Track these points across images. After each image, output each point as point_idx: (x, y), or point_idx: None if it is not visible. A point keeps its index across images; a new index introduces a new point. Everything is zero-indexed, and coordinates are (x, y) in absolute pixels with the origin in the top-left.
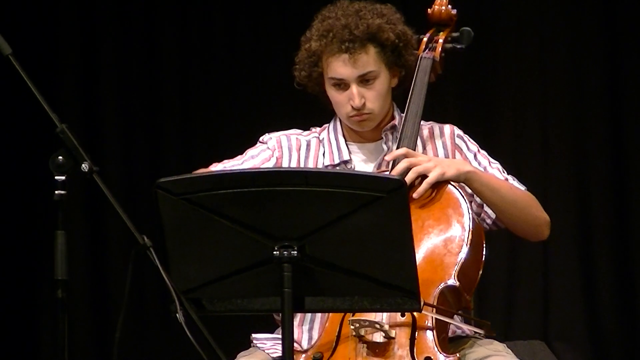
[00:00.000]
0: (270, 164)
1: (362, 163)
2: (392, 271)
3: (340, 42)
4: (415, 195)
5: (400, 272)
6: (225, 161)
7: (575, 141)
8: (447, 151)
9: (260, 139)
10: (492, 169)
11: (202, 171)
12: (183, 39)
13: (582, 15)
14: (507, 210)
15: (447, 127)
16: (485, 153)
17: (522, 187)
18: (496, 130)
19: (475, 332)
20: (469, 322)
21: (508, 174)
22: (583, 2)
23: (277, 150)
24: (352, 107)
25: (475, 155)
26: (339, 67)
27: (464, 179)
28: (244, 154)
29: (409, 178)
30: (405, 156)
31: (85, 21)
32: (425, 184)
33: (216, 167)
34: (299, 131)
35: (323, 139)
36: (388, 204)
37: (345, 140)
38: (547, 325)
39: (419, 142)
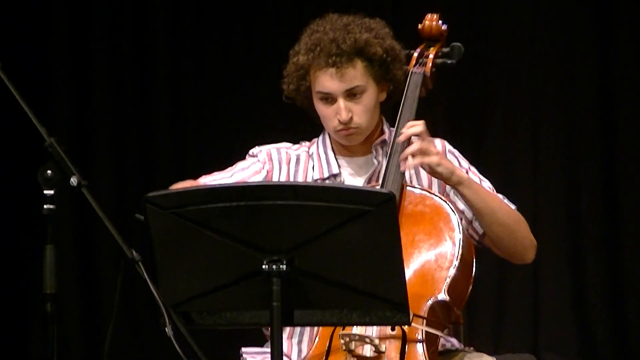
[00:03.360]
0: (260, 177)
1: (351, 177)
2: (381, 284)
3: (327, 56)
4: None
5: (390, 285)
6: (215, 173)
7: (567, 153)
8: None
9: (250, 152)
10: (484, 186)
11: (188, 182)
12: (174, 51)
13: (573, 29)
14: (496, 225)
15: (438, 142)
16: (476, 170)
17: (513, 206)
18: (486, 144)
19: (465, 346)
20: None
21: (498, 193)
22: (574, 17)
23: (267, 163)
24: (339, 121)
25: (466, 172)
26: (326, 81)
27: (455, 181)
28: (234, 166)
29: (411, 164)
30: (420, 137)
31: (77, 33)
32: (414, 160)
33: (205, 179)
34: (289, 145)
35: (312, 153)
36: (377, 217)
37: (335, 154)
38: (537, 337)
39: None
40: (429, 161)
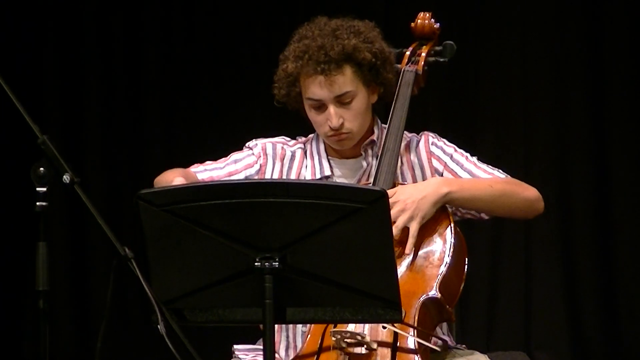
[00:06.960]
0: (252, 170)
1: (342, 178)
2: (373, 281)
3: (315, 64)
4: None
5: (381, 283)
6: (207, 163)
7: (557, 150)
8: (422, 161)
9: (247, 144)
10: (469, 163)
11: (178, 171)
12: (166, 48)
13: (564, 26)
14: (496, 208)
15: (422, 137)
16: (462, 150)
17: (503, 176)
18: (478, 141)
19: (457, 344)
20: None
21: (487, 165)
22: (566, 16)
23: (262, 157)
24: (330, 127)
25: (451, 157)
26: (316, 88)
27: (444, 202)
28: (228, 157)
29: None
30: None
31: (69, 32)
32: (394, 229)
33: (197, 168)
34: (286, 139)
35: (307, 151)
36: (369, 215)
37: (327, 155)
38: (528, 335)
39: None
40: (413, 222)
